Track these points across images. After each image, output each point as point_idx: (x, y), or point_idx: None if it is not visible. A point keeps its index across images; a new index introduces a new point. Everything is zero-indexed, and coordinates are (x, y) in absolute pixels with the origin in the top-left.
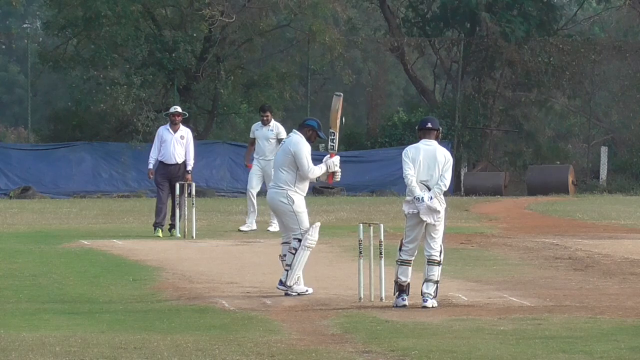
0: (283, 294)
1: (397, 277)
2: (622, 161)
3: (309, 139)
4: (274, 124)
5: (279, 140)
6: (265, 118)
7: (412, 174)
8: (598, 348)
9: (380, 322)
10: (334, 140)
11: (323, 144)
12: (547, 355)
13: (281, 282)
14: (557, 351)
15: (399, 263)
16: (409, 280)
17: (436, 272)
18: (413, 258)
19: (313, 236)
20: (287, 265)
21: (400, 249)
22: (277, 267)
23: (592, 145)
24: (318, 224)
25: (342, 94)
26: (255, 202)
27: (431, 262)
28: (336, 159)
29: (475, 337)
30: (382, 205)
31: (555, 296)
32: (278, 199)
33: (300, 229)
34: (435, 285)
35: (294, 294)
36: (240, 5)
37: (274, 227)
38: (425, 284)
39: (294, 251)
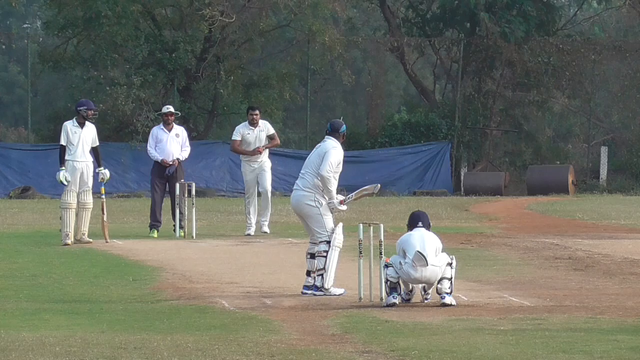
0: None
1: (387, 276)
2: (622, 161)
3: (342, 144)
4: (262, 122)
5: (269, 137)
6: (255, 117)
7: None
8: (598, 348)
9: (380, 322)
10: (350, 198)
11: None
12: (547, 355)
13: (307, 287)
14: (557, 351)
15: (385, 266)
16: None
17: (449, 271)
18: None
19: (340, 235)
20: (318, 269)
21: (387, 266)
22: (277, 267)
23: (592, 145)
24: (341, 224)
25: (379, 186)
26: (255, 207)
27: None
28: (342, 207)
29: (475, 337)
30: (382, 205)
31: (555, 296)
32: (304, 202)
33: (327, 231)
34: (450, 282)
35: (332, 295)
36: (240, 5)
37: (253, 229)
38: (440, 281)
39: (325, 254)
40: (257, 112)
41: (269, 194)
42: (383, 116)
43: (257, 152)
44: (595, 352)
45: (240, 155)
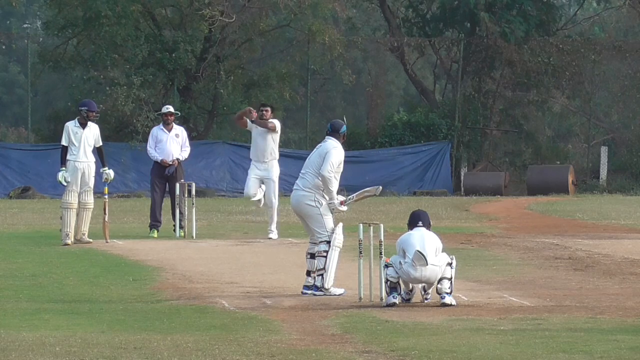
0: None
1: (387, 276)
2: (622, 161)
3: (343, 144)
4: (272, 121)
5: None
6: (265, 113)
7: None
8: (598, 348)
9: (380, 322)
10: (351, 200)
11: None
12: (547, 355)
13: (307, 287)
14: (557, 351)
15: (385, 266)
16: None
17: (448, 271)
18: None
19: (340, 235)
20: (319, 269)
21: (387, 266)
22: (277, 267)
23: (592, 145)
24: (341, 224)
25: (380, 188)
26: (261, 204)
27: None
28: (343, 208)
29: (475, 337)
30: (382, 205)
31: (555, 296)
32: (304, 202)
33: (327, 231)
34: (450, 282)
35: (332, 295)
36: (240, 5)
37: (275, 234)
38: (440, 281)
39: (325, 254)
40: (269, 108)
41: (275, 206)
42: (383, 116)
43: (250, 112)
44: (595, 352)
45: (252, 161)
